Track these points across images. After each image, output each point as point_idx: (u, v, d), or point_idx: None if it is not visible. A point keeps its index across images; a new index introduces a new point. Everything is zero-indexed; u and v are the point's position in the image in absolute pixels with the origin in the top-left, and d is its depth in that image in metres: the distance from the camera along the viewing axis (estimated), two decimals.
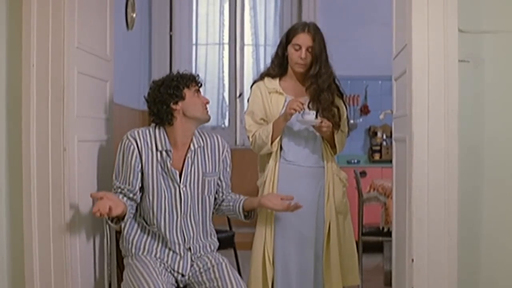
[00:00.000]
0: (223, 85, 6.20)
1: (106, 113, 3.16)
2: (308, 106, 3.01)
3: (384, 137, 6.01)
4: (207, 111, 2.79)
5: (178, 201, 2.71)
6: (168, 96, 2.69)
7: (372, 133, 6.10)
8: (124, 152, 2.70)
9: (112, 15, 3.19)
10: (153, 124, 2.76)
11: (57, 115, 2.59)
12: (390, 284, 3.22)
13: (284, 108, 3.01)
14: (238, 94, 6.15)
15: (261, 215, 3.04)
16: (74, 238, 2.69)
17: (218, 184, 2.88)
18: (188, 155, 2.74)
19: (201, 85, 2.79)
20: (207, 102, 2.79)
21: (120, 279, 3.15)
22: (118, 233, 2.88)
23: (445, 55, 2.54)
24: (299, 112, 2.92)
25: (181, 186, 2.71)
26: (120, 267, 2.94)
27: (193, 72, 3.14)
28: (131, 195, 2.69)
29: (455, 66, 2.54)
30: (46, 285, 2.61)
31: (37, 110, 2.58)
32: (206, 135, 2.87)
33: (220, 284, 2.58)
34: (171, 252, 2.70)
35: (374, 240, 4.29)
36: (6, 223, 2.65)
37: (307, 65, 3.02)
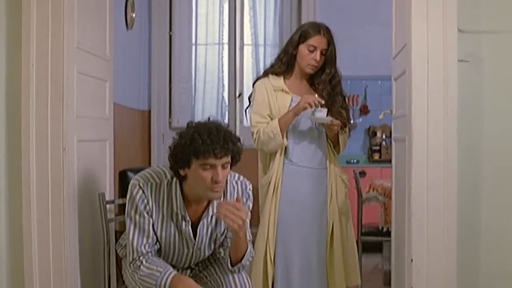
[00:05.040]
0: (223, 85, 6.18)
1: (106, 113, 3.16)
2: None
3: (384, 137, 6.00)
4: (215, 190, 2.28)
5: (189, 257, 2.53)
6: (175, 160, 2.31)
7: (371, 133, 6.10)
8: (139, 212, 2.36)
9: (111, 15, 3.20)
10: (170, 175, 2.39)
11: (57, 115, 2.59)
12: (389, 284, 3.23)
13: (294, 104, 3.00)
14: (237, 94, 6.14)
15: (263, 215, 3.04)
16: (73, 238, 2.69)
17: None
18: (204, 220, 2.44)
19: (221, 156, 2.25)
20: (216, 181, 2.25)
21: (119, 279, 3.15)
22: (118, 232, 2.88)
23: (445, 55, 2.54)
24: (311, 108, 2.93)
25: (195, 248, 2.49)
26: (119, 267, 2.94)
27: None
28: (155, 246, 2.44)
29: (454, 66, 2.55)
30: (45, 286, 2.61)
31: (36, 110, 2.59)
32: (232, 185, 2.47)
33: (222, 279, 2.54)
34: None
35: (374, 240, 4.28)
36: (6, 223, 2.65)
37: (318, 67, 3.05)
